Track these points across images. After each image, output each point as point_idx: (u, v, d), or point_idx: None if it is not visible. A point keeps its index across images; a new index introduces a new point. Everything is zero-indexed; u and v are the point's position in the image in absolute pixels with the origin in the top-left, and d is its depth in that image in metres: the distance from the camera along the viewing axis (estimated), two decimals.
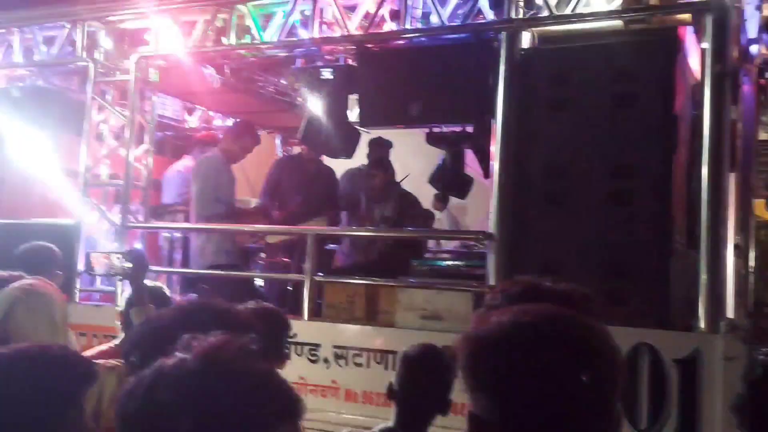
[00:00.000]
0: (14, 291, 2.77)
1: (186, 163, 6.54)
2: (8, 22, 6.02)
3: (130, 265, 3.31)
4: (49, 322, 2.83)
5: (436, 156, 6.21)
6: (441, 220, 9.02)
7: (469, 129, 5.38)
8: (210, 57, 5.53)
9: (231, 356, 1.03)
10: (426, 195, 6.79)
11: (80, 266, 5.38)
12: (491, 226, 4.41)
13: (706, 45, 3.99)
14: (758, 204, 4.94)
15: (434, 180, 6.25)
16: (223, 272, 5.24)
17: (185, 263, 5.73)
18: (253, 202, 7.60)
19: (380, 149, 6.13)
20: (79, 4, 5.79)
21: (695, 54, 4.24)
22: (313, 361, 4.45)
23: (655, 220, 3.99)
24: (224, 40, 5.30)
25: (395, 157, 6.30)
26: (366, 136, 5.85)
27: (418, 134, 6.48)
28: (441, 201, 8.56)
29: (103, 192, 5.84)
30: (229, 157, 5.72)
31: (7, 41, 6.06)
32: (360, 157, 5.97)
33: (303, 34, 5.19)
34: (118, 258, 3.26)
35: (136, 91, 5.48)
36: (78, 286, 5.38)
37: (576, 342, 1.06)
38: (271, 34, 5.16)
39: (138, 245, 5.32)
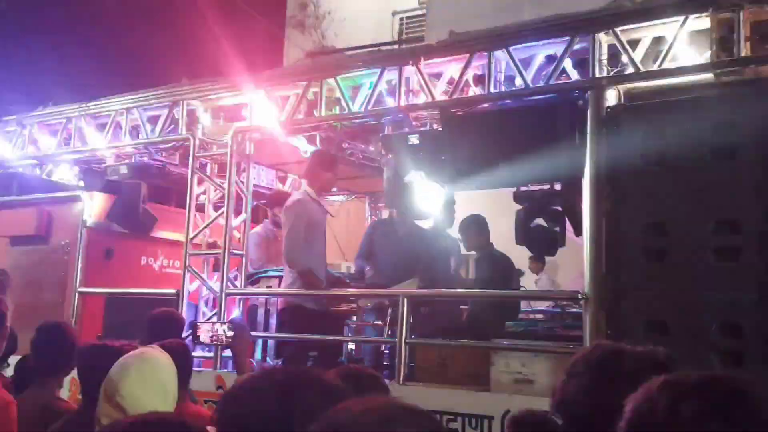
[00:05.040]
0: (128, 359, 2.86)
1: (257, 229, 6.68)
2: (117, 105, 6.51)
3: (231, 333, 3.45)
4: (160, 387, 2.89)
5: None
6: (540, 282, 8.84)
7: (557, 186, 5.32)
8: (302, 128, 5.75)
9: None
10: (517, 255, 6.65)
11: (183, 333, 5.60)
12: (585, 286, 4.32)
13: None
14: None
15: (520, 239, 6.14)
16: (319, 336, 5.31)
17: None
18: (344, 265, 7.73)
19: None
20: (179, 85, 6.20)
21: None
22: None
23: (765, 277, 3.79)
24: (315, 112, 5.53)
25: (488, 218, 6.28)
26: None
27: (506, 194, 6.42)
28: (538, 263, 8.35)
29: (203, 260, 6.08)
30: (323, 186, 5.79)
31: (115, 122, 6.52)
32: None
33: (390, 102, 5.37)
34: (222, 328, 3.40)
35: (233, 164, 5.76)
36: None
37: None
38: (360, 103, 5.35)
39: (237, 311, 5.49)
